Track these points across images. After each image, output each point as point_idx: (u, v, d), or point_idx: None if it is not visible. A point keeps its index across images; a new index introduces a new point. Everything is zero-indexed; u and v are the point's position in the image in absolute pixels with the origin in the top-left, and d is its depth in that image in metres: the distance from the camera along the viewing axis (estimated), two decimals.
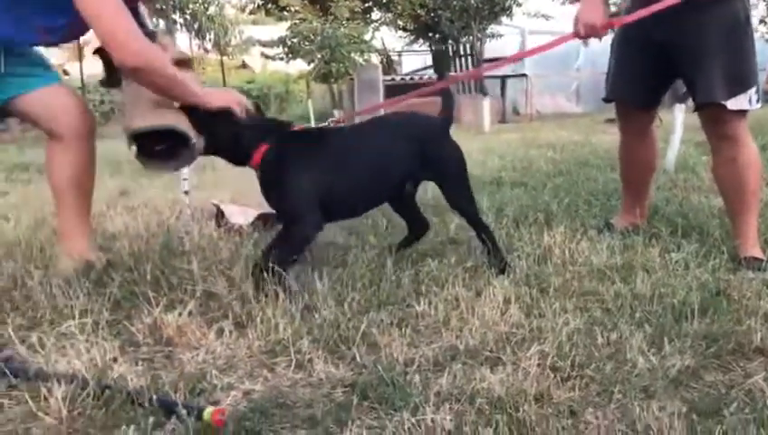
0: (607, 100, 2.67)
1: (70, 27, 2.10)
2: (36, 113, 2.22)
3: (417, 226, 2.45)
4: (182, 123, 2.01)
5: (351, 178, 2.15)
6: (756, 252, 2.31)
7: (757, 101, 2.28)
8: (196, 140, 2.02)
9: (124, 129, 2.04)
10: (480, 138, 7.49)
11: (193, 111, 2.04)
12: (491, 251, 2.25)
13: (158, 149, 2.04)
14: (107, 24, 1.91)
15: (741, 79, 2.25)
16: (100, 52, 2.12)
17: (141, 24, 2.09)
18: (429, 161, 2.22)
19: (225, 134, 2.09)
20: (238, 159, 2.15)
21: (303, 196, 2.05)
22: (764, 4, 12.95)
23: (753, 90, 2.26)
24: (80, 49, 12.19)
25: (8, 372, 1.49)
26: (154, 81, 1.94)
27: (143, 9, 2.27)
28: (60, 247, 2.33)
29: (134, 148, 2.02)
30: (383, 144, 2.20)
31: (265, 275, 1.94)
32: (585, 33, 2.28)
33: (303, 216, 2.04)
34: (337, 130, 2.25)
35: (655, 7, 2.20)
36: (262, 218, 2.88)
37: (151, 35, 2.12)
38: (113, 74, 2.16)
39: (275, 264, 1.94)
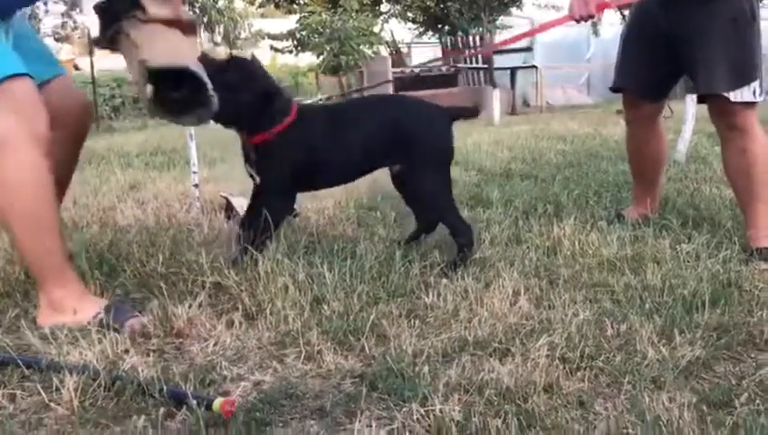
0: (614, 89, 2.68)
1: None
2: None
3: (427, 218, 2.44)
4: (202, 72, 1.82)
5: (336, 152, 2.17)
6: None
7: (760, 94, 2.28)
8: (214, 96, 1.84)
9: (139, 62, 1.78)
10: (490, 130, 7.45)
11: (213, 69, 1.88)
12: (459, 255, 2.17)
13: (176, 96, 1.84)
14: None
15: (743, 72, 2.25)
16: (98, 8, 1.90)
17: None
18: (401, 143, 2.15)
19: (251, 99, 1.96)
20: (251, 128, 2.05)
21: (290, 175, 2.12)
22: None
23: (756, 83, 2.26)
24: (90, 44, 12.22)
25: (21, 363, 1.51)
26: None
27: None
28: (42, 294, 1.79)
29: (150, 88, 1.79)
30: (365, 121, 2.21)
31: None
32: (579, 14, 2.28)
33: (286, 192, 2.16)
34: (333, 107, 2.30)
35: None
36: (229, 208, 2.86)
37: None
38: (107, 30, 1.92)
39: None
